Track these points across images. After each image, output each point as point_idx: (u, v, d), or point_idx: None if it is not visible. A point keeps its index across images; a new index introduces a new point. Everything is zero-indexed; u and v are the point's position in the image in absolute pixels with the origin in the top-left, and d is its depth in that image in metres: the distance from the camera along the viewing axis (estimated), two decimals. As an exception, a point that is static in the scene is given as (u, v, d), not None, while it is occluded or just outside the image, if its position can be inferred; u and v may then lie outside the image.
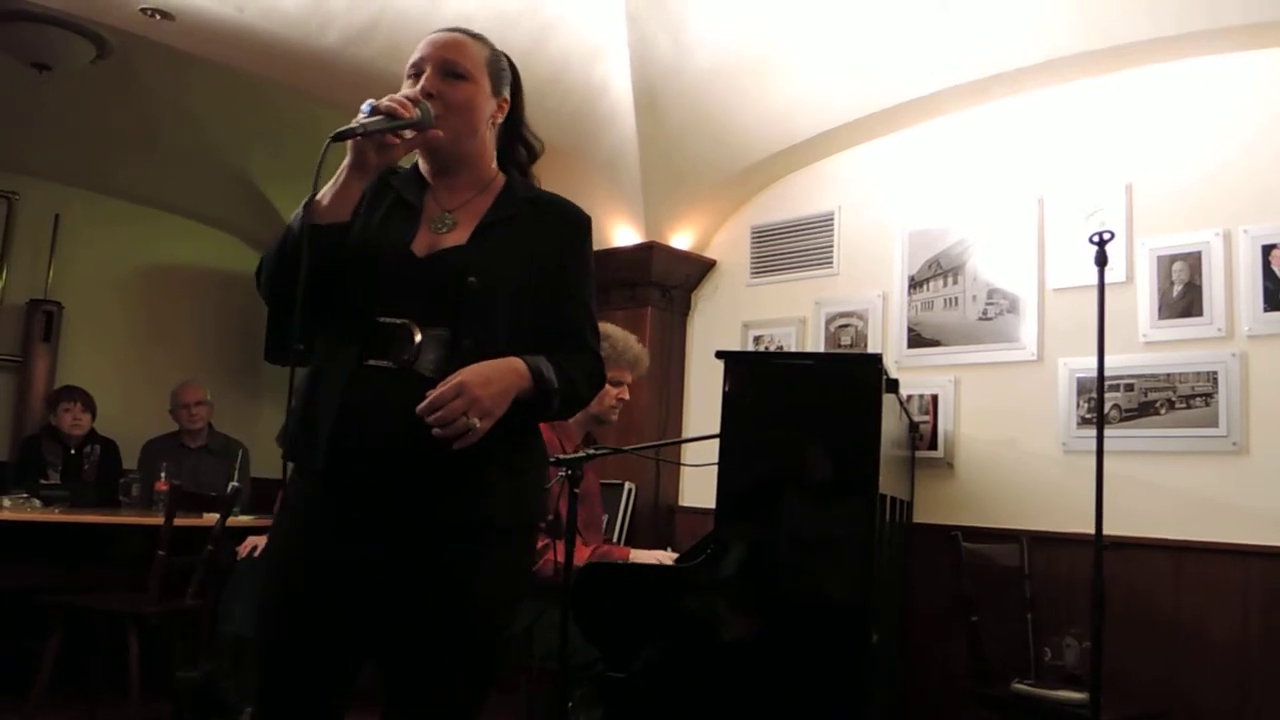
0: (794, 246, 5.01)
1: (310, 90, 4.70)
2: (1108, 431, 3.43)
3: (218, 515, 4.26)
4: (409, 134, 1.73)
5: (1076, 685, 3.42)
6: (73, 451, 5.39)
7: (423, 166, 1.91)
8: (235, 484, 4.54)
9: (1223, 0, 3.55)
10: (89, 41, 4.76)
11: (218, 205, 6.89)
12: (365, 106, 1.68)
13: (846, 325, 4.75)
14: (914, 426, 4.32)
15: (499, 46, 1.95)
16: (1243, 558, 3.53)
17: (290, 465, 1.82)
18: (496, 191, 1.89)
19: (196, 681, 4.05)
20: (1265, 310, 3.62)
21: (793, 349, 4.89)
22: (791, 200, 5.08)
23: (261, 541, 4.50)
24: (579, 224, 1.94)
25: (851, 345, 4.70)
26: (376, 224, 1.80)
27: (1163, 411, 3.78)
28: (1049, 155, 4.23)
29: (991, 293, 4.30)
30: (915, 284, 4.54)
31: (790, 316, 4.95)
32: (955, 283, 4.41)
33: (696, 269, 5.36)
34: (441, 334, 1.74)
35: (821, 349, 4.78)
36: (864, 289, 4.72)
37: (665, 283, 5.27)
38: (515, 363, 1.74)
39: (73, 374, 6.08)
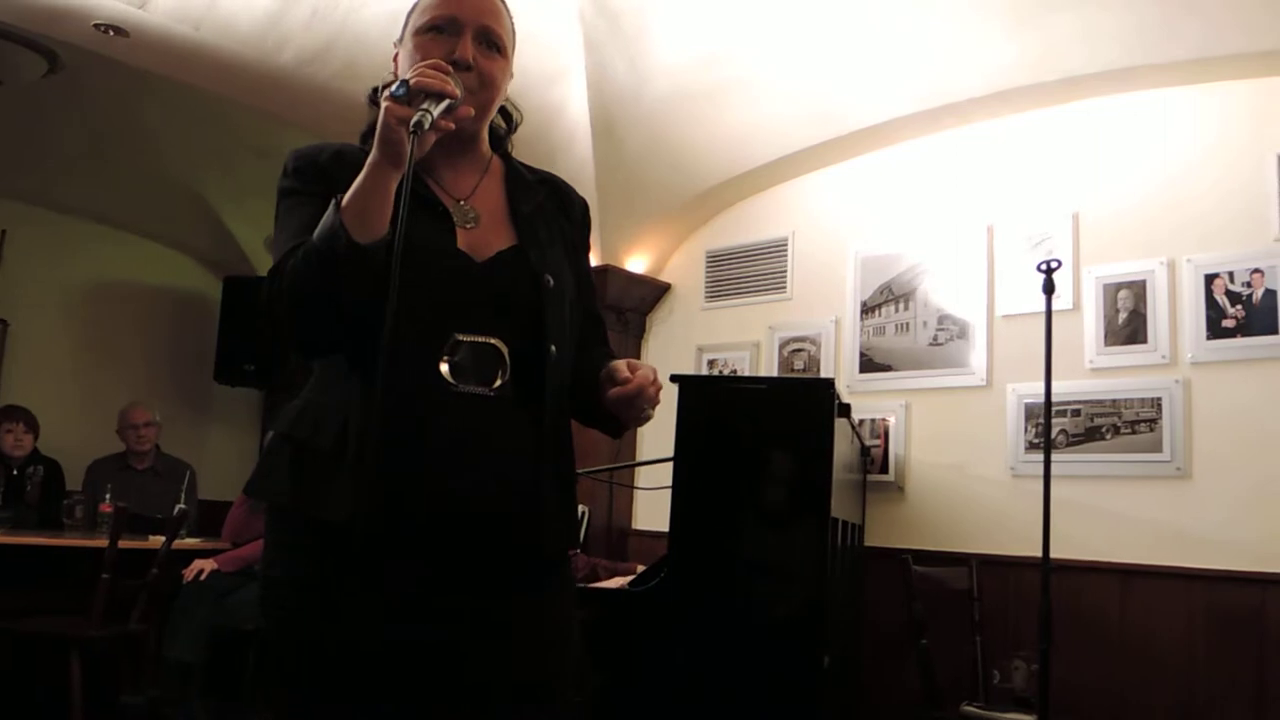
0: (748, 271, 5.04)
1: (266, 109, 4.67)
2: (1055, 456, 3.49)
3: (164, 538, 4.20)
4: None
5: (1025, 707, 3.46)
6: (15, 472, 5.29)
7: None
8: (182, 506, 4.48)
9: (1164, 36, 3.64)
10: (41, 56, 4.70)
11: (169, 223, 6.81)
12: (399, 88, 1.36)
13: (799, 350, 4.79)
14: (866, 450, 4.35)
15: None
16: (1187, 581, 3.58)
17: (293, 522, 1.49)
18: (500, 173, 1.67)
19: (141, 707, 3.98)
20: (1208, 338, 3.69)
21: (746, 373, 4.92)
22: (746, 225, 5.12)
23: (209, 566, 4.43)
24: (587, 208, 1.77)
25: (804, 370, 4.74)
26: (402, 223, 1.37)
27: (1108, 437, 3.84)
28: (998, 184, 4.30)
29: (942, 319, 4.35)
30: (867, 309, 4.58)
31: (744, 340, 4.98)
32: (906, 308, 4.46)
33: (651, 292, 5.37)
34: (523, 345, 1.51)
35: (775, 373, 4.81)
36: (817, 314, 4.76)
37: (620, 305, 5.28)
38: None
39: (18, 393, 5.96)
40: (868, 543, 4.28)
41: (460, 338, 1.46)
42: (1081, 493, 3.83)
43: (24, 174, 6.09)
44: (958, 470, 4.20)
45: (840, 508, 3.41)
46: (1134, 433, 3.79)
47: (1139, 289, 3.87)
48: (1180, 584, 3.60)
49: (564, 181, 1.76)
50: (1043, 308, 3.30)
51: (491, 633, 1.47)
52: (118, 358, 6.72)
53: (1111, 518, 3.78)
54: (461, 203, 1.57)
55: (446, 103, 1.37)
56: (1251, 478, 3.54)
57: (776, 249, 4.95)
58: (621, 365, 1.50)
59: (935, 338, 4.36)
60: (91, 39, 3.99)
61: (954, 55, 3.98)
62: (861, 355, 4.57)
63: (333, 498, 1.41)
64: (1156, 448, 3.73)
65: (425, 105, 1.34)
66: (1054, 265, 3.30)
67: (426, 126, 1.33)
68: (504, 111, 1.70)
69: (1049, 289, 3.28)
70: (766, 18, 3.97)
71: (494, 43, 1.57)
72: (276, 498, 1.49)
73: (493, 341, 1.48)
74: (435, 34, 1.54)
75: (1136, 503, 3.75)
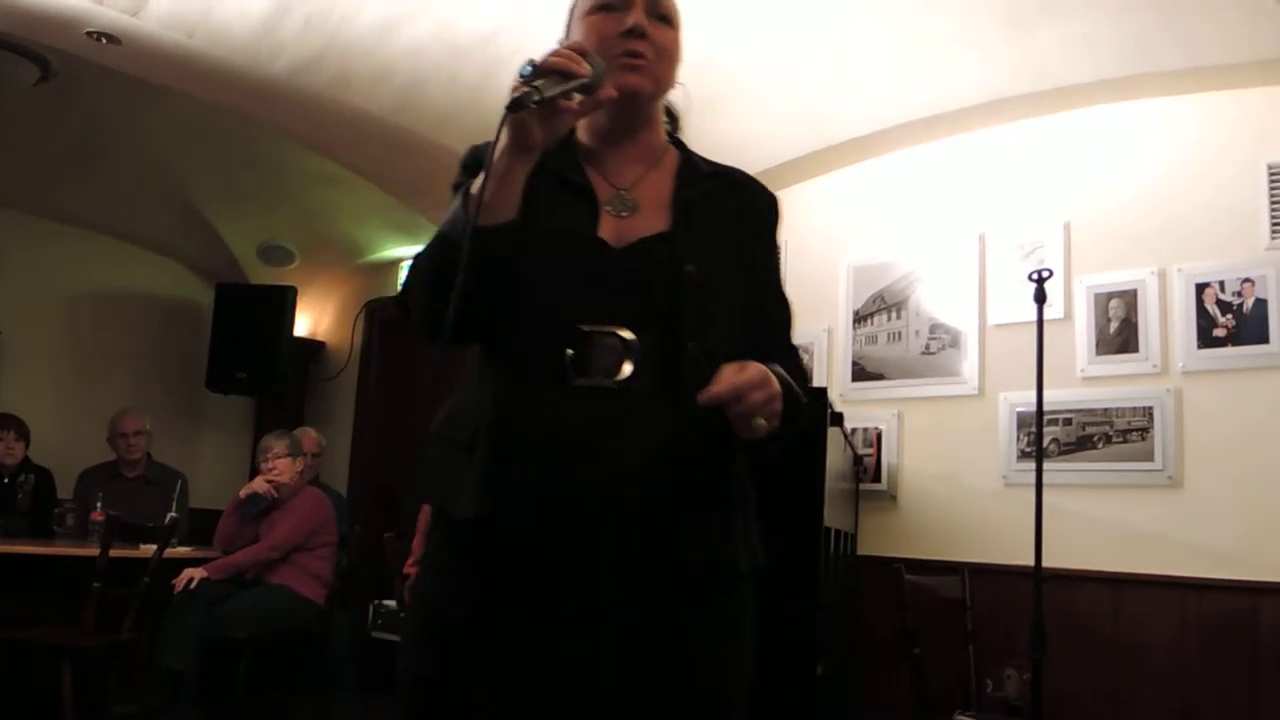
0: (741, 280, 5.03)
1: (258, 117, 4.67)
2: (1047, 465, 3.49)
3: (155, 547, 4.18)
4: (577, 98, 1.34)
5: (1018, 716, 3.46)
6: (6, 481, 5.27)
7: (583, 135, 1.55)
8: (173, 515, 4.47)
9: (1158, 45, 3.66)
10: (33, 64, 4.69)
11: (161, 230, 6.80)
12: (525, 68, 1.30)
13: (792, 358, 4.78)
14: (858, 459, 4.36)
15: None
16: (1179, 590, 3.59)
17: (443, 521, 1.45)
18: (674, 165, 1.58)
19: (133, 716, 3.96)
20: (1199, 347, 3.71)
21: (739, 381, 4.90)
22: (739, 234, 5.11)
23: (199, 574, 4.41)
24: (775, 204, 1.65)
25: (797, 378, 4.73)
26: (544, 212, 1.40)
27: (1100, 445, 3.85)
28: (990, 193, 4.32)
29: (934, 327, 4.36)
30: (860, 318, 4.59)
31: (737, 349, 4.97)
32: (899, 317, 4.47)
33: (645, 301, 5.37)
34: (659, 339, 1.39)
35: (768, 382, 4.80)
36: (809, 323, 4.76)
37: (613, 314, 5.26)
38: (772, 370, 1.38)
39: (8, 401, 5.95)
40: (860, 551, 4.29)
41: (584, 328, 1.37)
42: (1073, 501, 3.84)
43: (15, 181, 6.09)
44: (950, 479, 4.21)
45: (833, 517, 3.41)
46: (1125, 441, 3.80)
47: (1130, 298, 3.88)
48: (1172, 592, 3.61)
49: (747, 176, 1.65)
50: (1034, 317, 3.32)
51: (621, 651, 1.36)
52: (109, 366, 6.70)
53: (1103, 526, 3.79)
54: (623, 191, 1.50)
55: (574, 82, 1.31)
56: (1243, 486, 3.55)
57: (769, 257, 4.95)
58: (727, 369, 1.34)
59: (927, 347, 4.37)
60: (84, 47, 3.98)
61: (946, 64, 3.99)
62: (854, 364, 4.57)
63: (459, 494, 1.38)
64: (1148, 456, 3.74)
65: (538, 83, 1.28)
66: (1045, 274, 3.32)
67: (528, 104, 1.27)
68: (667, 110, 1.66)
69: (1040, 298, 3.30)
70: (757, 27, 3.98)
71: (664, 15, 1.54)
72: (421, 492, 1.48)
73: (620, 332, 1.37)
74: (606, 12, 1.49)
75: (1128, 511, 3.76)
